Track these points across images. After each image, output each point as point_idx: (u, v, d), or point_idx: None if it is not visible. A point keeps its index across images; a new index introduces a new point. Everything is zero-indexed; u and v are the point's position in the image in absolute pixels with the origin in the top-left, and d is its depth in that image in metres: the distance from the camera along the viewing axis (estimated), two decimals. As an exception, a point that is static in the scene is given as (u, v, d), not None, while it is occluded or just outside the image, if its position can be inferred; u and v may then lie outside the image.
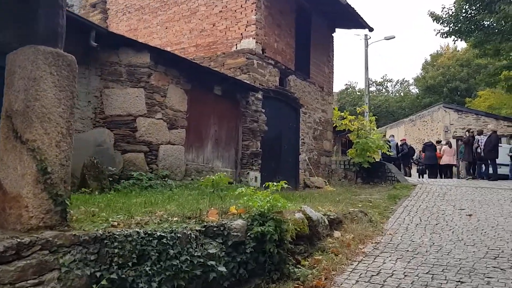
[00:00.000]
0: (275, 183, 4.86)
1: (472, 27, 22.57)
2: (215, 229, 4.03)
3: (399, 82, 61.47)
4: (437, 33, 24.40)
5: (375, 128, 33.41)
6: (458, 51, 48.19)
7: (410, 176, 20.01)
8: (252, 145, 11.49)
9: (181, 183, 8.91)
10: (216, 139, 10.57)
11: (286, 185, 5.02)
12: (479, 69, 39.70)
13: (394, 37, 28.75)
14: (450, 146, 19.13)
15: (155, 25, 13.62)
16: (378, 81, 61.98)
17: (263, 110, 11.90)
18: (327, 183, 14.49)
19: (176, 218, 4.16)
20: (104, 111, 8.44)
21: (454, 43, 21.26)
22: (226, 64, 11.89)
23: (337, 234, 6.38)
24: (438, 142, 20.79)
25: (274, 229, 4.40)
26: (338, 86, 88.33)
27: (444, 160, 18.68)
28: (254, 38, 11.74)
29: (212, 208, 4.61)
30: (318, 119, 14.96)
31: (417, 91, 53.53)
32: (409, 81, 59.53)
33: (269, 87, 12.33)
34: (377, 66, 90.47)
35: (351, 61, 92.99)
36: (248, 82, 11.35)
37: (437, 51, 52.63)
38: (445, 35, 24.09)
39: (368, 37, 29.29)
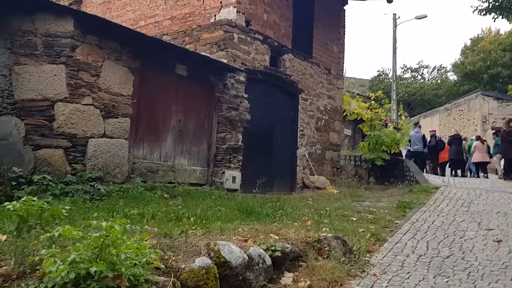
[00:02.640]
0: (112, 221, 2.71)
1: (516, 1, 19.62)
2: None
3: (436, 69, 57.61)
4: (475, 10, 21.55)
5: (404, 117, 30.74)
6: (501, 34, 44.28)
7: (440, 173, 17.45)
8: (230, 137, 9.39)
9: (119, 187, 6.94)
10: (180, 131, 8.53)
11: (128, 227, 2.84)
12: (524, 54, 36.07)
13: (426, 16, 25.84)
14: (483, 142, 16.40)
15: (129, -4, 11.66)
16: (413, 67, 58.29)
17: (246, 96, 9.76)
18: (332, 183, 12.26)
19: None
20: (14, 94, 6.53)
21: (494, 21, 18.70)
22: (201, 39, 9.81)
23: (287, 279, 4.24)
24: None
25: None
26: (370, 73, 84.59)
27: (476, 158, 16.04)
28: (235, 7, 9.59)
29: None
30: (323, 106, 12.68)
31: (455, 78, 49.89)
32: (447, 67, 55.50)
33: (255, 67, 10.16)
34: (412, 51, 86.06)
35: (385, 46, 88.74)
36: (225, 60, 9.23)
37: (477, 34, 48.70)
38: (484, 12, 21.19)
39: (397, 16, 26.49)
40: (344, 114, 13.70)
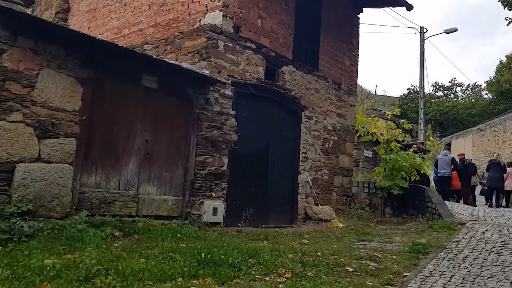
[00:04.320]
0: None
1: (556, 11, 17.74)
2: None
3: (470, 87, 55.00)
4: (509, 22, 19.68)
5: (432, 138, 28.68)
6: (541, 50, 41.79)
7: (472, 203, 15.56)
8: (212, 161, 8.00)
9: (54, 223, 5.62)
10: (147, 154, 7.19)
11: None
12: None
13: (456, 30, 23.99)
14: None
15: (114, 2, 10.55)
16: (445, 85, 55.91)
17: (233, 113, 8.39)
18: (340, 214, 10.65)
19: None
20: None
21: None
22: (183, 48, 8.53)
23: None
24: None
25: None
26: (400, 90, 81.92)
27: (509, 185, 14.29)
28: (221, 11, 8.29)
29: None
30: (331, 126, 11.14)
31: (490, 97, 47.36)
32: (481, 85, 52.82)
33: (246, 80, 8.79)
34: (444, 68, 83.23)
35: (416, 63, 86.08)
36: (207, 71, 7.90)
37: (514, 51, 46.13)
38: (521, 25, 19.35)
39: (425, 30, 24.77)
40: (358, 134, 12.11)
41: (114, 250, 5.26)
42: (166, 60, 7.59)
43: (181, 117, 7.75)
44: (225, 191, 8.21)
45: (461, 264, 6.05)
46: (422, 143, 20.61)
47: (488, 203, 15.19)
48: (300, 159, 10.24)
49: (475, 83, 58.20)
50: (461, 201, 15.47)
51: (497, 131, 27.94)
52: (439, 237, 8.11)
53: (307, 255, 6.18)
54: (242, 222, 8.05)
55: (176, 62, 7.77)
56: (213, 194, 7.98)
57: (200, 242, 6.24)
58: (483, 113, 43.95)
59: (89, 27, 11.16)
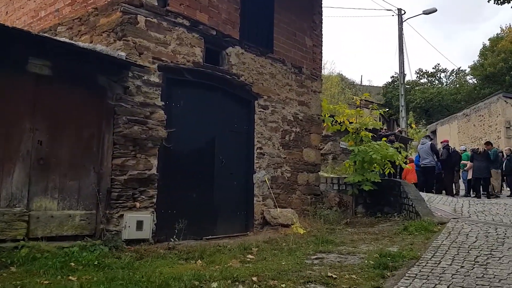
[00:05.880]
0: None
1: (540, -15, 16.56)
2: None
3: (454, 72, 54.07)
4: (489, -1, 18.44)
5: (414, 126, 27.44)
6: (523, 32, 40.95)
7: (456, 194, 14.33)
8: (134, 164, 6.52)
9: None
10: (41, 159, 5.69)
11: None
12: (550, 51, 32.67)
13: (436, 11, 22.65)
14: None
15: (30, -19, 9.00)
16: (429, 72, 55.01)
17: (162, 104, 6.91)
18: (305, 216, 9.24)
19: None
20: None
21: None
22: (98, 27, 7.02)
23: None
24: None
25: None
26: (384, 79, 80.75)
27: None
28: (140, -21, 6.79)
29: None
30: (292, 115, 9.70)
31: (475, 81, 46.49)
32: (466, 70, 51.84)
33: (179, 63, 7.30)
34: (428, 54, 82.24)
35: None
36: (123, 53, 6.41)
37: (497, 34, 45.22)
38: (502, 0, 18.11)
39: (403, 12, 23.43)
40: (325, 124, 10.69)
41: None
42: (58, 39, 6.06)
43: (91, 111, 6.25)
44: (154, 200, 6.74)
45: (436, 284, 4.66)
46: (401, 132, 19.29)
47: (475, 195, 13.93)
48: (255, 155, 8.79)
49: (459, 68, 57.48)
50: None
51: (482, 116, 26.79)
52: (414, 242, 6.74)
53: (238, 282, 4.75)
54: (176, 236, 6.60)
55: (76, 42, 6.26)
56: (138, 204, 6.50)
57: (98, 273, 4.77)
58: (468, 98, 43.12)
59: (6, 12, 9.63)
